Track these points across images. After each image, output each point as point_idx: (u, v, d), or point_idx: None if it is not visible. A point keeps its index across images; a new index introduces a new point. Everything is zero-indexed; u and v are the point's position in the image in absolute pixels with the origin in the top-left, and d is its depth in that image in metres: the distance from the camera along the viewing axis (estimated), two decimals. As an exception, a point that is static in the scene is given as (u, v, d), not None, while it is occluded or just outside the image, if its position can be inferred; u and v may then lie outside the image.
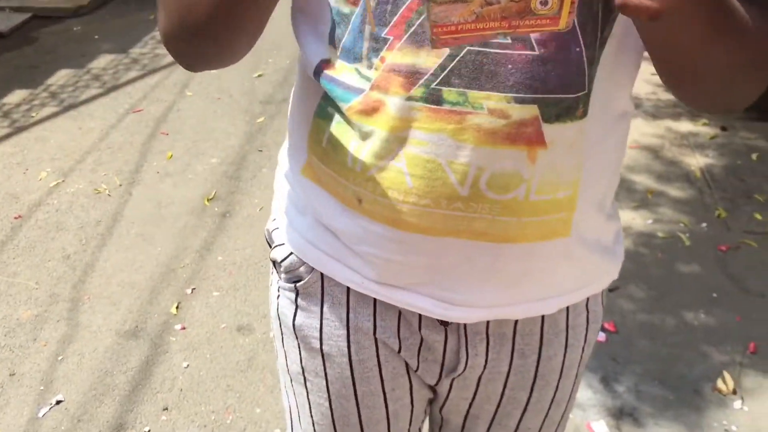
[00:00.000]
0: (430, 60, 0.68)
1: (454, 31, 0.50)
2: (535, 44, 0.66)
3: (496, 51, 0.67)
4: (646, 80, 3.69)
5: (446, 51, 0.68)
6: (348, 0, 0.69)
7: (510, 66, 0.66)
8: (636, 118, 3.35)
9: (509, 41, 0.67)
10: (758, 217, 2.70)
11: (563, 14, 0.49)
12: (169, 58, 4.05)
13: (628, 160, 3.04)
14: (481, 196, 0.72)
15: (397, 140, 0.71)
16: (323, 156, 0.78)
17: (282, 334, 0.93)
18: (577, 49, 0.68)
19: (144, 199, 2.80)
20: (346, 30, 0.71)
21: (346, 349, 0.87)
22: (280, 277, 0.90)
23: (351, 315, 0.86)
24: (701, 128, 3.31)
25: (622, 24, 0.70)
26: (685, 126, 3.32)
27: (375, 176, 0.73)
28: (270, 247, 0.91)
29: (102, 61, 4.04)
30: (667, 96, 3.57)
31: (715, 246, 2.53)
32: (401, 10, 0.67)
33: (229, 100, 3.58)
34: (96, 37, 4.40)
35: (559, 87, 0.68)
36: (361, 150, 0.73)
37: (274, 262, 0.91)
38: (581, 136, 0.72)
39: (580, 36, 0.68)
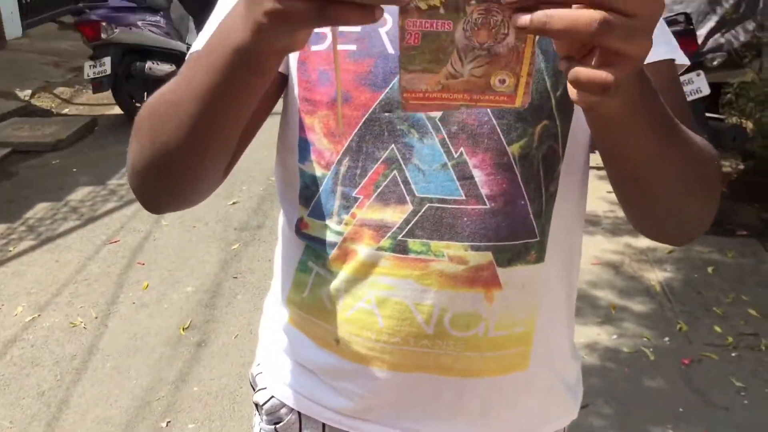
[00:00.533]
0: (396, 215, 0.78)
1: (422, 98, 0.55)
2: (486, 199, 0.78)
3: (453, 206, 0.78)
4: (603, 198, 3.88)
5: (410, 207, 0.78)
6: (320, 165, 0.80)
7: (465, 219, 0.77)
8: (596, 235, 3.50)
9: (463, 197, 0.77)
10: (717, 329, 2.80)
11: (519, 93, 0.55)
12: (146, 189, 4.18)
13: (591, 276, 3.16)
14: (446, 334, 0.81)
15: (368, 285, 0.80)
16: (304, 305, 0.87)
17: None
18: (522, 203, 0.79)
19: (119, 331, 2.83)
20: (318, 191, 0.81)
21: None
22: (261, 419, 0.96)
23: None
24: (659, 244, 3.45)
25: (566, 178, 0.81)
26: (643, 242, 3.47)
27: (350, 318, 0.83)
28: (254, 390, 0.97)
29: (80, 194, 4.15)
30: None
31: (679, 360, 2.62)
32: (369, 174, 0.78)
33: (204, 228, 3.68)
34: (74, 170, 4.54)
35: (510, 235, 0.79)
36: (338, 295, 0.83)
37: (256, 405, 0.97)
38: (535, 277, 0.82)
39: (524, 191, 0.79)
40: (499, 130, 0.76)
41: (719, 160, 0.76)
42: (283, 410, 0.93)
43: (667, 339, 2.74)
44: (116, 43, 5.17)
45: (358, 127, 0.77)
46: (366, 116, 0.77)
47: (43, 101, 5.90)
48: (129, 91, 5.41)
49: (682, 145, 0.68)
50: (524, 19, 0.50)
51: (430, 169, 0.77)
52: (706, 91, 3.38)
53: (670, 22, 3.42)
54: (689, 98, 3.36)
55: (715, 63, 3.51)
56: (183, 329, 2.84)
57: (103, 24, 5.11)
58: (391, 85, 0.76)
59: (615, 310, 2.93)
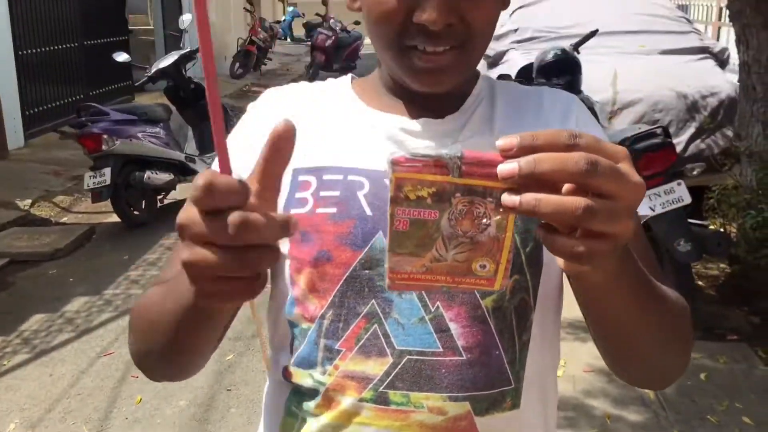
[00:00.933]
0: (377, 367, 0.83)
1: (406, 278, 0.59)
2: (462, 351, 0.83)
3: (431, 358, 0.83)
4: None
5: (390, 359, 0.83)
6: (305, 318, 0.86)
7: (443, 370, 0.82)
8: (588, 342, 3.53)
9: (441, 349, 0.83)
10: (713, 438, 2.80)
11: (498, 277, 0.59)
12: (142, 299, 4.22)
13: (585, 385, 3.17)
14: None
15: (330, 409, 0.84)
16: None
17: None
18: (497, 353, 0.84)
19: (112, 448, 2.81)
20: (303, 342, 0.86)
21: None
22: None
23: None
24: (650, 349, 3.48)
25: (538, 326, 0.87)
26: (635, 347, 3.49)
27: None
28: None
29: (76, 304, 4.18)
30: (616, 319, 3.78)
31: (675, 471, 2.61)
32: (351, 327, 0.83)
33: (199, 339, 3.69)
34: (71, 279, 4.58)
35: (486, 385, 0.84)
36: (311, 425, 0.86)
37: None
38: (512, 424, 0.86)
39: (498, 341, 0.84)
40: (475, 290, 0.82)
41: (689, 310, 0.83)
42: None
43: (662, 450, 2.74)
44: (117, 154, 5.32)
45: (340, 284, 0.83)
46: (347, 274, 0.83)
47: (42, 210, 6.00)
48: (127, 200, 5.52)
49: (659, 302, 0.74)
50: (513, 200, 0.55)
51: (409, 322, 0.82)
52: (687, 200, 3.49)
53: (649, 135, 3.58)
54: (671, 207, 3.47)
55: (695, 173, 3.64)
56: (176, 445, 2.82)
57: (105, 136, 5.27)
58: (370, 245, 0.82)
59: (610, 420, 2.93)
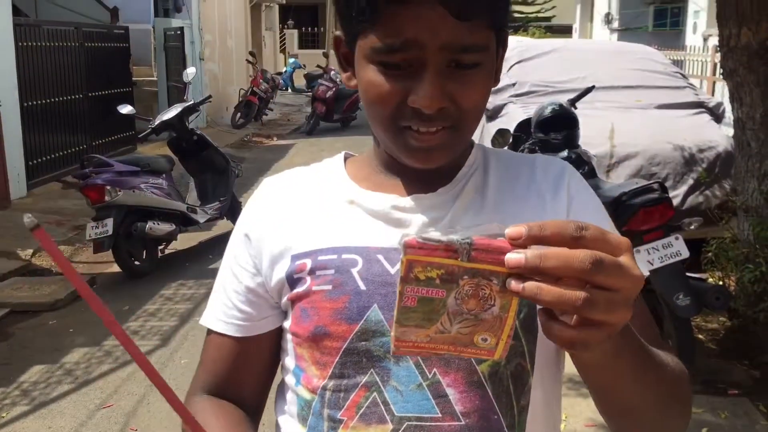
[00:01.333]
0: None
1: (411, 346, 0.63)
2: (461, 416, 0.85)
3: (430, 423, 0.85)
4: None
5: (390, 426, 0.85)
6: (309, 389, 0.90)
7: None
8: (588, 397, 3.52)
9: (439, 415, 0.85)
10: (716, 495, 2.77)
11: (498, 349, 0.63)
12: (143, 349, 4.16)
13: (586, 440, 3.15)
14: None
15: None
16: None
17: None
18: (495, 417, 0.86)
19: (110, 504, 2.79)
20: (309, 413, 0.90)
21: None
22: None
23: None
24: (651, 404, 3.48)
25: (537, 389, 0.90)
26: (636, 402, 3.49)
27: None
28: None
29: (75, 355, 4.18)
30: (616, 372, 3.78)
31: None
32: (352, 396, 0.86)
33: (198, 391, 3.68)
34: (71, 330, 4.58)
35: None
36: None
37: None
38: None
39: (496, 406, 0.87)
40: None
41: (687, 373, 0.86)
42: None
43: (665, 507, 2.70)
44: (119, 205, 5.37)
45: (339, 356, 0.87)
46: (345, 346, 0.87)
47: (43, 260, 6.02)
48: (129, 251, 5.55)
49: (658, 372, 0.78)
50: (517, 286, 0.59)
51: (407, 389, 0.85)
52: (685, 254, 3.53)
53: (646, 190, 3.64)
54: (670, 261, 3.50)
55: (692, 227, 3.69)
56: (174, 501, 2.79)
57: (108, 188, 5.32)
58: (365, 318, 0.86)
59: (612, 476, 2.90)
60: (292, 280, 0.91)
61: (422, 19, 0.80)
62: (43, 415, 3.49)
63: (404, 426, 0.85)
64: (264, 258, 0.94)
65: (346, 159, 1.02)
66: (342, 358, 0.87)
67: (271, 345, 0.98)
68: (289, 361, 0.95)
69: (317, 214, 0.94)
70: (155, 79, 12.39)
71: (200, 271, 5.72)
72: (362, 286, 0.87)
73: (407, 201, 0.91)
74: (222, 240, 6.61)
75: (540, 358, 0.89)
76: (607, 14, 14.98)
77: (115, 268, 5.64)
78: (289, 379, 0.95)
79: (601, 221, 0.94)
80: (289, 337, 0.94)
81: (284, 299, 0.93)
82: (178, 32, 11.98)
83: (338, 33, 0.92)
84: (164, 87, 12.11)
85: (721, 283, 4.03)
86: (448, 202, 0.91)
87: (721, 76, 4.25)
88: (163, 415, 3.46)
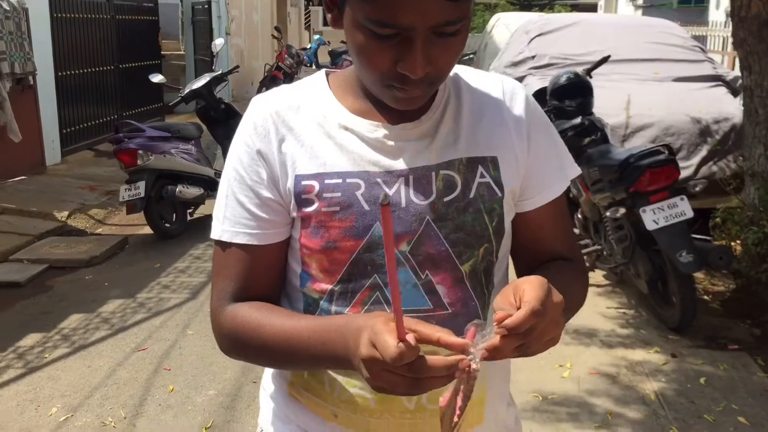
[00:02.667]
0: None
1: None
2: (448, 306, 1.05)
3: (424, 314, 1.03)
4: (601, 313, 4.12)
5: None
6: (317, 291, 1.06)
7: (434, 321, 0.96)
8: (592, 347, 3.72)
9: (431, 307, 1.04)
10: (709, 435, 2.96)
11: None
12: (173, 302, 4.47)
13: (589, 385, 3.35)
14: (423, 407, 1.06)
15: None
16: (305, 384, 1.12)
17: None
18: (473, 303, 1.07)
19: (147, 430, 3.04)
20: (317, 308, 1.07)
21: None
22: None
23: None
24: (653, 356, 3.67)
25: (498, 276, 1.11)
26: (638, 354, 3.67)
27: (347, 399, 1.08)
28: None
29: (111, 306, 4.44)
30: (620, 329, 3.97)
31: (671, 462, 2.77)
32: (357, 296, 1.04)
33: (226, 338, 3.93)
34: (106, 284, 4.85)
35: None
36: (335, 380, 1.08)
37: None
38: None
39: (473, 295, 1.07)
40: (453, 256, 1.04)
41: (585, 267, 1.12)
42: None
43: (660, 443, 2.90)
44: (151, 169, 5.62)
45: (347, 265, 1.03)
46: (352, 258, 1.02)
47: (78, 222, 6.31)
48: (159, 213, 5.81)
49: (579, 298, 1.12)
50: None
51: (405, 288, 1.03)
52: (689, 214, 3.69)
53: (653, 153, 3.79)
54: (675, 220, 3.67)
55: (697, 189, 3.83)
56: (205, 429, 3.04)
57: (140, 152, 5.57)
58: (369, 233, 1.02)
59: (611, 416, 3.10)
60: (300, 200, 1.03)
61: (417, 5, 0.88)
62: (83, 357, 3.76)
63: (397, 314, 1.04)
64: (278, 173, 1.04)
65: (327, 75, 1.12)
66: (349, 267, 1.03)
67: (285, 249, 1.10)
68: (295, 265, 1.08)
69: (315, 136, 1.05)
70: (183, 52, 12.63)
71: (227, 234, 5.96)
72: (366, 207, 1.01)
73: (396, 130, 1.04)
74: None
75: (501, 253, 1.11)
76: (632, -9, 14.94)
77: (147, 229, 5.90)
78: (294, 280, 1.09)
79: (552, 140, 1.14)
80: (297, 246, 1.07)
81: (293, 214, 1.05)
82: (206, 6, 12.18)
83: None
84: (191, 60, 12.35)
85: (726, 245, 4.17)
86: (431, 130, 1.05)
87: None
88: (194, 357, 3.71)
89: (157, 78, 6.83)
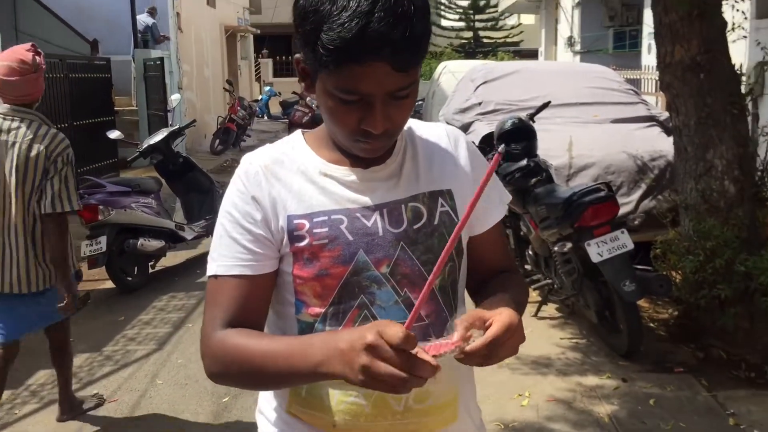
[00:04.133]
0: None
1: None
2: (424, 317, 1.23)
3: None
4: (556, 343, 4.34)
5: None
6: (311, 315, 1.22)
7: (413, 332, 1.10)
8: (549, 375, 3.92)
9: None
10: (659, 451, 3.17)
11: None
12: (140, 353, 4.54)
13: (547, 412, 3.54)
14: (410, 408, 1.24)
15: (355, 386, 1.08)
16: (303, 402, 1.26)
17: None
18: (444, 314, 1.26)
19: (123, 478, 3.11)
20: (312, 331, 1.22)
21: None
22: None
23: None
24: (606, 381, 3.88)
25: (461, 288, 1.33)
26: (592, 380, 3.89)
27: (344, 409, 1.23)
28: None
29: (78, 360, 4.47)
30: (574, 355, 4.19)
31: (625, 478, 2.96)
32: (348, 315, 1.21)
33: (195, 385, 4.02)
34: (72, 339, 4.87)
35: (438, 335, 1.24)
36: (333, 394, 1.23)
37: None
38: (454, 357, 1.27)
39: (443, 306, 1.26)
40: (425, 274, 1.22)
41: (524, 280, 1.39)
42: None
43: (614, 461, 3.10)
44: (112, 224, 5.70)
45: (337, 289, 1.20)
46: (341, 282, 1.20)
47: (38, 279, 6.30)
48: (121, 267, 5.87)
49: (524, 298, 1.33)
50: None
51: (387, 305, 1.21)
52: (630, 246, 3.96)
53: (594, 190, 4.07)
54: (617, 252, 3.94)
55: (636, 222, 4.12)
56: (181, 473, 3.12)
57: (101, 207, 5.66)
58: (354, 260, 1.20)
59: (569, 440, 3.29)
60: (293, 236, 1.20)
61: (372, 76, 1.08)
62: (53, 411, 3.79)
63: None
64: (269, 215, 1.21)
65: (303, 134, 1.31)
66: (340, 291, 1.20)
67: (274, 280, 1.24)
68: (289, 297, 1.23)
69: (301, 182, 1.23)
70: (135, 108, 12.72)
71: (189, 285, 6.05)
72: (350, 237, 1.20)
73: (368, 173, 1.24)
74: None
75: (462, 270, 1.33)
76: (570, 38, 15.64)
77: (109, 284, 5.95)
78: (288, 310, 1.24)
79: (491, 183, 1.36)
80: (290, 279, 1.22)
81: (285, 250, 1.21)
82: (158, 62, 12.35)
83: (299, 56, 1.18)
84: (145, 115, 12.44)
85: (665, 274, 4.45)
86: (396, 171, 1.26)
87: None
88: (165, 406, 3.79)
89: (114, 134, 6.95)
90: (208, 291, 1.24)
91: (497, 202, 1.37)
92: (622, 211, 4.78)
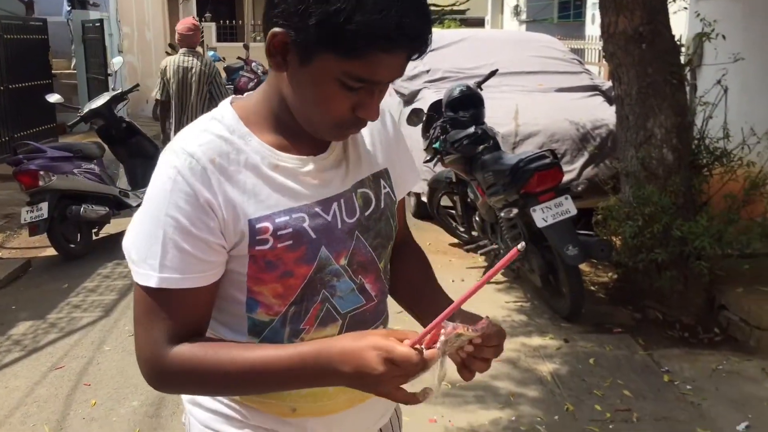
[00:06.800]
0: (333, 330, 1.20)
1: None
2: (374, 298, 1.26)
3: (361, 310, 1.23)
4: (501, 306, 4.46)
5: (339, 321, 1.21)
6: (268, 314, 1.17)
7: (368, 313, 1.25)
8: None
9: (365, 302, 1.24)
10: (598, 408, 3.32)
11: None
12: (86, 320, 4.48)
13: (493, 371, 3.65)
14: None
15: None
16: None
17: None
18: (385, 291, 1.31)
19: (72, 443, 3.10)
20: (266, 328, 1.18)
21: None
22: None
23: None
24: (549, 341, 4.02)
25: None
26: (536, 341, 4.02)
27: (306, 394, 1.20)
28: None
29: (21, 328, 4.40)
30: (520, 317, 4.33)
31: (567, 433, 3.10)
32: (310, 311, 1.18)
33: (144, 351, 4.00)
34: (13, 307, 4.78)
35: (384, 309, 1.31)
36: None
37: None
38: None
39: (386, 285, 1.32)
40: (376, 259, 1.25)
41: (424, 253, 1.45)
42: None
43: (556, 417, 3.23)
44: (53, 190, 5.55)
45: (300, 288, 1.16)
46: (305, 281, 1.16)
47: (-24, 246, 6.13)
48: (63, 233, 5.75)
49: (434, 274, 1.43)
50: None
51: (346, 294, 1.21)
52: (573, 211, 4.08)
53: (540, 157, 4.17)
54: (561, 218, 4.06)
55: (579, 189, 4.24)
56: (132, 437, 3.13)
57: (41, 173, 5.51)
58: (318, 257, 1.16)
59: (513, 397, 3.41)
60: (254, 241, 1.11)
61: (393, 65, 1.05)
62: (35, 359, 3.74)
63: (347, 318, 1.21)
64: (226, 221, 1.10)
65: (234, 109, 1.18)
66: (303, 290, 1.16)
67: (219, 283, 1.16)
68: (239, 295, 1.17)
69: (253, 181, 1.13)
70: (74, 71, 12.33)
71: (135, 252, 5.96)
72: (313, 235, 1.15)
73: (318, 162, 1.18)
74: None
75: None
76: (516, 7, 15.75)
77: (51, 251, 5.82)
78: (236, 307, 1.18)
79: (406, 145, 1.41)
80: (242, 278, 1.15)
81: (241, 252, 1.12)
82: (97, 24, 11.95)
83: (280, 30, 1.05)
84: (84, 79, 12.06)
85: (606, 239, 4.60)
86: (340, 155, 1.22)
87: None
88: (114, 371, 3.77)
89: (53, 98, 6.75)
90: (144, 302, 1.11)
91: (412, 168, 1.41)
92: (566, 178, 4.91)
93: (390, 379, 1.02)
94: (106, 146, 6.59)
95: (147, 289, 1.10)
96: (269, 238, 1.11)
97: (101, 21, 12.00)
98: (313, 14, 1.01)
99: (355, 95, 1.08)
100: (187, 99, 6.31)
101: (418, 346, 1.02)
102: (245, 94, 1.25)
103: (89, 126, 7.04)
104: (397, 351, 1.00)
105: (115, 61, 7.13)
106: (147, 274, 1.09)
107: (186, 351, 1.09)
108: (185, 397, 1.31)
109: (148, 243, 1.09)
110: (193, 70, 6.26)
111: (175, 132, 6.17)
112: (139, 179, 6.75)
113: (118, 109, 6.93)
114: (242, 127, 1.16)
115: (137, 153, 6.84)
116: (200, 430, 1.28)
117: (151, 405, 3.41)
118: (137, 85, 7.45)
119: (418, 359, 1.00)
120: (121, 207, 6.28)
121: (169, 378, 1.12)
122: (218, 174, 1.10)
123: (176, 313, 1.10)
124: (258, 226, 1.11)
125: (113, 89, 6.90)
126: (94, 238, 6.13)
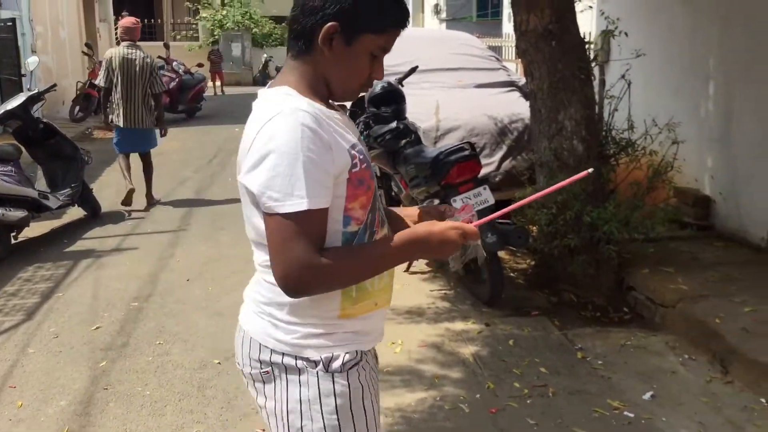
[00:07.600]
0: (385, 231, 1.62)
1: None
2: (381, 221, 1.62)
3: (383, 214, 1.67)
4: (426, 294, 4.62)
5: (385, 226, 1.63)
6: (357, 224, 1.52)
7: (383, 218, 1.67)
8: (421, 323, 4.20)
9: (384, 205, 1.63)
10: (517, 385, 3.50)
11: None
12: (7, 324, 4.41)
13: (418, 356, 3.80)
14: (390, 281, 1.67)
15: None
16: (354, 300, 1.54)
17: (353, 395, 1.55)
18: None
19: (-1, 445, 3.07)
20: (354, 238, 1.52)
21: (373, 377, 1.63)
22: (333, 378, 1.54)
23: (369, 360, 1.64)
24: (471, 326, 4.20)
25: None
26: (458, 326, 4.20)
27: (381, 287, 1.59)
28: (326, 371, 1.53)
29: (-61, 334, 4.29)
30: (443, 304, 4.50)
31: (488, 410, 3.27)
32: (376, 216, 1.57)
33: (70, 351, 3.98)
34: (-71, 313, 4.65)
35: None
36: (373, 283, 1.56)
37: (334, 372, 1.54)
38: None
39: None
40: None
41: None
42: (349, 356, 1.55)
43: (478, 395, 3.40)
44: (-32, 193, 5.41)
45: (373, 197, 1.56)
46: (374, 192, 1.56)
47: None
48: (-20, 238, 5.60)
49: None
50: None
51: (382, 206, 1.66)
52: (492, 201, 4.27)
53: (459, 149, 4.34)
54: (480, 207, 4.24)
55: (497, 179, 4.43)
56: (61, 436, 3.13)
57: (-45, 176, 5.36)
58: (373, 174, 1.57)
59: (438, 379, 3.56)
60: (353, 164, 1.49)
61: (397, 36, 1.52)
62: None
63: (384, 221, 1.63)
64: (338, 155, 1.45)
65: (286, 90, 1.54)
66: (374, 198, 1.56)
67: None
68: (336, 215, 1.48)
69: (333, 125, 1.48)
70: (-15, 72, 11.89)
71: (57, 255, 5.87)
72: (368, 157, 1.56)
73: (342, 116, 1.58)
74: (74, 226, 6.74)
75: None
76: (436, 5, 16.04)
77: (-33, 256, 5.66)
78: (334, 226, 1.48)
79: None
80: (341, 201, 1.48)
81: (344, 177, 1.47)
82: (9, 23, 11.57)
83: (333, 23, 1.46)
84: (-5, 80, 11.66)
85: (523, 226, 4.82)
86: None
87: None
88: (40, 373, 3.74)
89: (-35, 99, 6.54)
90: (288, 228, 1.40)
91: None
92: (485, 170, 5.11)
93: (459, 235, 1.50)
94: (22, 148, 6.44)
95: (296, 215, 1.39)
96: (357, 163, 1.49)
97: (13, 20, 11.62)
98: (360, 8, 1.46)
99: (374, 63, 1.52)
100: (131, 87, 7.11)
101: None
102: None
103: (3, 128, 6.86)
104: (466, 227, 1.52)
105: (31, 61, 6.97)
106: (297, 203, 1.39)
107: (332, 253, 1.44)
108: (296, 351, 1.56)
109: (290, 181, 1.38)
110: (137, 62, 7.10)
111: (124, 117, 7.21)
112: (59, 180, 6.63)
113: (34, 110, 6.78)
114: (309, 99, 1.50)
115: (56, 154, 6.72)
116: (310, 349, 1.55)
117: (80, 404, 3.41)
118: (54, 85, 7.31)
119: (477, 231, 1.54)
120: (41, 210, 6.16)
121: (324, 277, 1.43)
122: (324, 122, 1.45)
123: (318, 229, 1.43)
124: (352, 153, 1.48)
125: (29, 89, 6.74)
126: (14, 242, 5.99)
